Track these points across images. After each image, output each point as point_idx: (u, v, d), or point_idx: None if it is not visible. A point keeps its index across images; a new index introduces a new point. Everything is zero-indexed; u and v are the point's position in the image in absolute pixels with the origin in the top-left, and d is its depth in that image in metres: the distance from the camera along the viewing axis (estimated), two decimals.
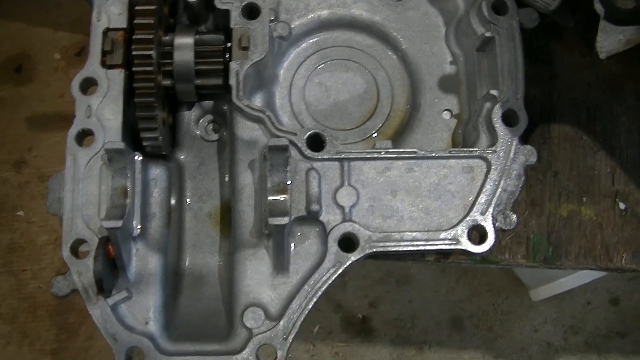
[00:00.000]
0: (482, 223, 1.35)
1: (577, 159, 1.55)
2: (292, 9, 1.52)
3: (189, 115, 1.50)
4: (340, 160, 1.36)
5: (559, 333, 3.01)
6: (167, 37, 1.39)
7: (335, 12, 1.54)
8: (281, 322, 1.29)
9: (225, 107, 1.48)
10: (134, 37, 1.31)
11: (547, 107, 1.57)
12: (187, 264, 1.44)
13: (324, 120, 1.51)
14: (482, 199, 1.36)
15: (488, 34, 1.41)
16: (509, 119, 1.38)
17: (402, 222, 1.35)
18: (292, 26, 1.50)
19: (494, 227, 1.35)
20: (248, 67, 1.37)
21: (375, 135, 1.51)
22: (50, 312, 2.98)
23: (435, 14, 1.55)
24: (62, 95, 3.15)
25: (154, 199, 1.38)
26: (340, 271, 1.32)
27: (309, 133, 1.36)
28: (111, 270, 1.27)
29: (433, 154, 1.37)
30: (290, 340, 1.29)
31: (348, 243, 1.33)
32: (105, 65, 1.35)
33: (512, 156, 1.36)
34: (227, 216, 1.45)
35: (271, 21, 1.41)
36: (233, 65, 1.37)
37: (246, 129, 1.39)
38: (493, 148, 1.37)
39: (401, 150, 1.37)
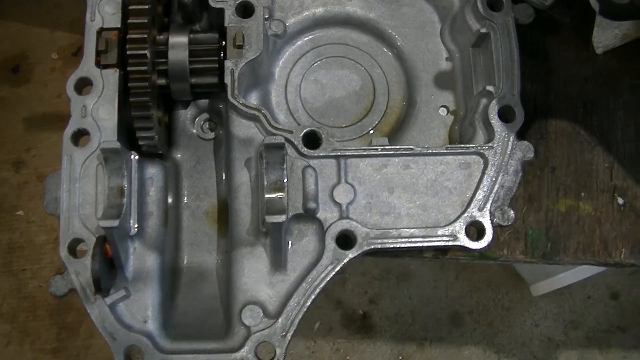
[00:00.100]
0: (480, 219, 1.35)
1: (575, 154, 1.55)
2: (286, 7, 1.52)
3: (185, 114, 1.50)
4: (337, 157, 1.36)
5: (560, 328, 3.01)
6: (161, 36, 1.39)
7: (330, 9, 1.54)
8: (279, 320, 1.30)
9: (220, 106, 1.48)
10: (128, 36, 1.31)
11: (543, 103, 1.57)
12: (184, 262, 1.44)
13: (320, 117, 1.51)
14: (480, 195, 1.36)
15: (483, 30, 1.41)
16: (505, 114, 1.38)
17: (400, 219, 1.35)
18: (287, 24, 1.50)
19: (492, 223, 1.35)
20: (243, 66, 1.37)
21: (371, 132, 1.51)
22: (51, 312, 2.98)
23: (430, 10, 1.55)
24: (60, 96, 3.14)
25: (151, 198, 1.38)
26: (338, 268, 1.32)
27: (305, 131, 1.36)
28: (109, 269, 1.28)
29: (430, 151, 1.37)
30: (289, 338, 1.29)
31: (345, 240, 1.34)
32: (99, 65, 1.35)
33: (509, 152, 1.36)
34: (224, 214, 1.45)
35: (266, 19, 1.41)
36: (228, 64, 1.36)
37: (242, 127, 1.39)
38: (490, 144, 1.37)
39: (398, 147, 1.37)
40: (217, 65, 1.39)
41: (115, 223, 1.22)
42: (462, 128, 1.47)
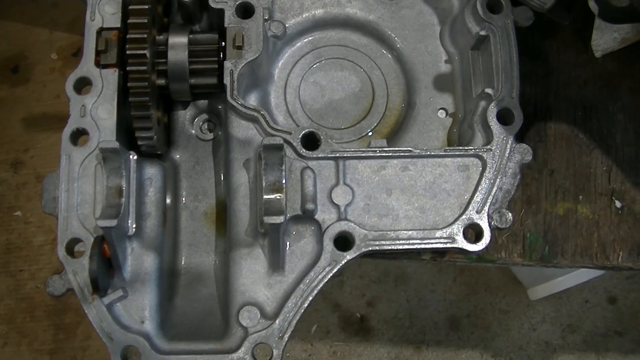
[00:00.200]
0: (478, 221, 1.35)
1: (573, 157, 1.55)
2: (286, 8, 1.52)
3: (184, 115, 1.50)
4: (336, 159, 1.36)
5: (557, 332, 3.01)
6: (161, 37, 1.39)
7: (330, 11, 1.54)
8: (277, 321, 1.29)
9: (220, 107, 1.48)
10: (128, 36, 1.31)
11: (542, 106, 1.57)
12: (182, 263, 1.44)
13: (319, 119, 1.51)
14: (478, 197, 1.36)
15: (483, 33, 1.41)
16: (504, 117, 1.38)
17: (398, 221, 1.35)
18: (287, 25, 1.50)
19: (490, 225, 1.35)
20: (242, 66, 1.36)
21: (370, 134, 1.51)
22: (48, 312, 2.97)
23: (429, 12, 1.55)
24: (59, 96, 3.14)
25: (149, 198, 1.38)
26: (335, 270, 1.32)
27: (304, 132, 1.36)
28: (107, 269, 1.27)
29: (428, 153, 1.37)
30: (286, 339, 1.29)
31: (344, 242, 1.33)
32: (99, 64, 1.34)
33: (507, 155, 1.36)
34: (223, 215, 1.45)
35: (265, 20, 1.41)
36: (227, 65, 1.36)
37: (241, 128, 1.39)
38: (488, 146, 1.37)
39: (396, 149, 1.37)
40: (217, 66, 1.39)
41: (113, 223, 1.22)
42: (461, 130, 1.47)
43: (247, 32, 1.38)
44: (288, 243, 1.34)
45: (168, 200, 1.42)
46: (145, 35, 1.31)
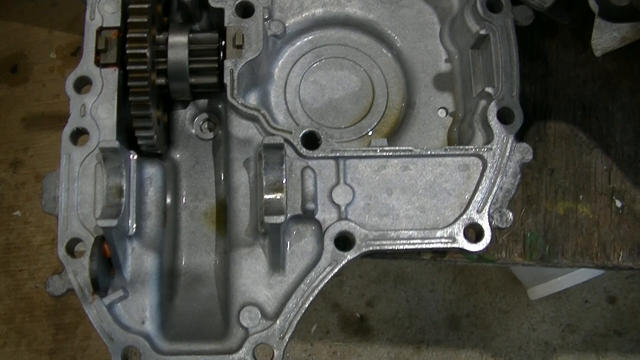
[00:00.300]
0: (479, 221, 1.34)
1: (573, 156, 1.55)
2: (286, 7, 1.52)
3: (184, 114, 1.50)
4: (336, 158, 1.36)
5: (557, 332, 3.01)
6: (161, 36, 1.39)
7: (330, 10, 1.54)
8: (277, 321, 1.29)
9: (220, 106, 1.48)
10: (128, 35, 1.31)
11: (542, 105, 1.57)
12: (183, 263, 1.44)
13: (319, 118, 1.51)
14: (478, 197, 1.35)
15: (483, 32, 1.41)
16: (504, 116, 1.38)
17: (398, 221, 1.35)
18: (287, 24, 1.49)
19: (491, 225, 1.35)
20: (242, 66, 1.36)
21: (370, 133, 1.51)
22: (48, 312, 2.97)
23: (429, 11, 1.55)
24: (58, 95, 3.14)
25: (150, 198, 1.38)
26: (336, 270, 1.32)
27: (304, 131, 1.35)
28: (107, 269, 1.27)
29: (429, 152, 1.37)
30: (287, 340, 1.29)
31: (344, 242, 1.33)
32: (99, 64, 1.35)
33: (508, 154, 1.36)
34: (222, 215, 1.45)
35: (265, 19, 1.40)
36: (227, 64, 1.36)
37: (241, 128, 1.39)
38: (489, 146, 1.36)
39: (397, 148, 1.37)
40: (217, 65, 1.39)
41: (113, 223, 1.21)
42: (461, 130, 1.47)
43: (247, 32, 1.38)
44: (288, 243, 1.34)
45: (168, 200, 1.42)
46: (145, 35, 1.30)
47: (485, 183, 1.36)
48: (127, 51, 1.31)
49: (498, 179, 1.36)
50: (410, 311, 3.04)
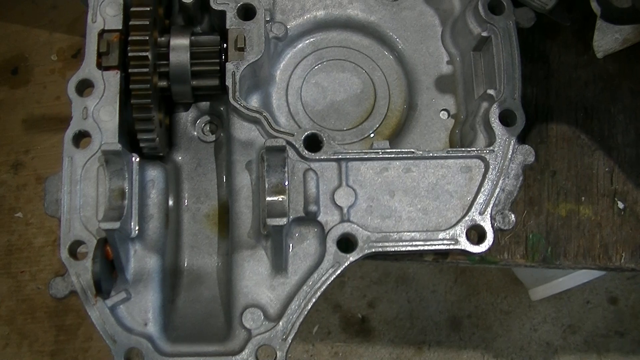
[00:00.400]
0: (481, 223, 1.35)
1: (575, 158, 1.55)
2: (288, 10, 1.52)
3: (186, 117, 1.50)
4: (338, 160, 1.36)
5: (558, 332, 3.01)
6: (162, 39, 1.39)
7: (331, 12, 1.54)
8: (280, 323, 1.29)
9: (221, 108, 1.48)
10: (130, 38, 1.31)
11: (544, 107, 1.57)
12: (185, 265, 1.44)
13: (321, 120, 1.51)
14: (481, 198, 1.36)
15: (484, 34, 1.41)
16: (506, 118, 1.38)
17: (401, 223, 1.35)
18: (288, 27, 1.49)
19: (493, 227, 1.35)
20: (244, 68, 1.36)
21: (372, 135, 1.51)
22: (49, 314, 2.97)
23: (431, 13, 1.55)
24: (59, 97, 3.14)
25: (152, 200, 1.38)
26: (339, 272, 1.32)
27: (306, 133, 1.35)
28: (109, 271, 1.27)
29: (431, 154, 1.37)
30: (290, 341, 1.29)
31: (346, 243, 1.33)
32: (101, 66, 1.34)
33: (510, 156, 1.36)
34: (224, 217, 1.45)
35: (267, 22, 1.41)
36: (229, 66, 1.36)
37: (243, 130, 1.39)
38: (491, 148, 1.36)
39: (399, 150, 1.37)
40: (219, 68, 1.39)
41: (116, 225, 1.21)
42: (463, 132, 1.47)
43: (249, 34, 1.38)
44: (291, 245, 1.34)
45: (170, 202, 1.42)
46: (147, 37, 1.30)
47: (487, 185, 1.36)
48: (129, 54, 1.31)
49: (500, 181, 1.36)
50: (412, 312, 3.04)
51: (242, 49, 1.37)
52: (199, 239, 1.45)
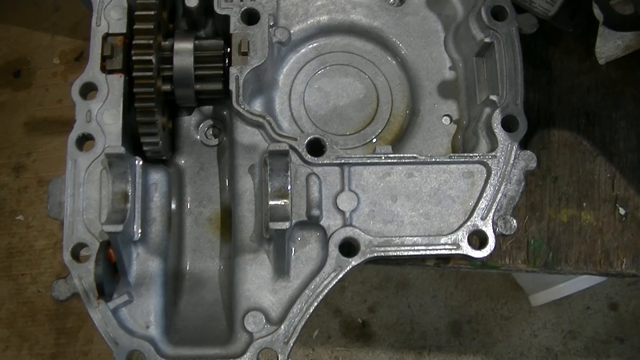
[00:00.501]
0: (483, 228, 1.35)
1: (577, 164, 1.56)
2: (291, 15, 1.53)
3: (189, 120, 1.50)
4: (341, 165, 1.36)
5: (558, 338, 3.01)
6: (166, 42, 1.39)
7: (335, 17, 1.54)
8: (282, 326, 1.30)
9: (225, 112, 1.48)
10: (134, 42, 1.31)
11: (546, 112, 1.57)
12: (187, 268, 1.44)
13: (324, 125, 1.51)
14: (483, 204, 1.36)
15: (487, 40, 1.42)
16: (508, 124, 1.38)
17: (403, 227, 1.36)
18: (292, 31, 1.50)
19: (495, 232, 1.35)
20: (248, 72, 1.37)
21: (375, 140, 1.52)
22: (49, 317, 2.97)
23: (434, 19, 1.55)
24: (61, 100, 3.15)
25: (155, 203, 1.38)
26: (341, 276, 1.32)
27: (309, 138, 1.36)
28: (112, 274, 1.27)
29: (433, 159, 1.37)
30: (291, 344, 1.29)
31: (349, 248, 1.34)
32: (104, 70, 1.35)
33: (512, 161, 1.37)
34: (227, 221, 1.45)
35: (270, 26, 1.41)
36: (233, 71, 1.37)
37: (246, 134, 1.39)
38: (493, 153, 1.37)
39: (401, 155, 1.37)
40: (222, 72, 1.39)
41: (119, 228, 1.22)
42: (465, 137, 1.47)
43: (253, 39, 1.39)
44: (293, 249, 1.35)
45: (173, 206, 1.42)
46: (151, 41, 1.31)
47: (489, 190, 1.36)
48: (133, 57, 1.31)
49: (502, 186, 1.36)
50: (412, 317, 3.04)
51: (245, 54, 1.38)
52: (202, 242, 1.45)
